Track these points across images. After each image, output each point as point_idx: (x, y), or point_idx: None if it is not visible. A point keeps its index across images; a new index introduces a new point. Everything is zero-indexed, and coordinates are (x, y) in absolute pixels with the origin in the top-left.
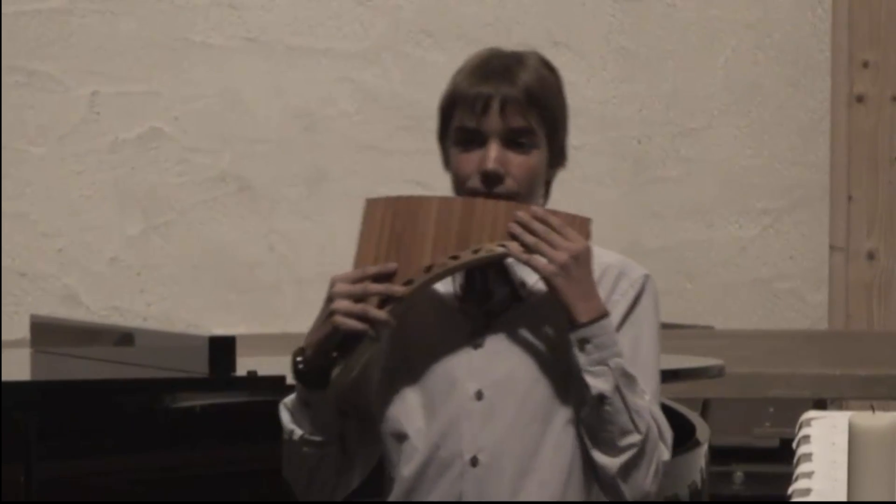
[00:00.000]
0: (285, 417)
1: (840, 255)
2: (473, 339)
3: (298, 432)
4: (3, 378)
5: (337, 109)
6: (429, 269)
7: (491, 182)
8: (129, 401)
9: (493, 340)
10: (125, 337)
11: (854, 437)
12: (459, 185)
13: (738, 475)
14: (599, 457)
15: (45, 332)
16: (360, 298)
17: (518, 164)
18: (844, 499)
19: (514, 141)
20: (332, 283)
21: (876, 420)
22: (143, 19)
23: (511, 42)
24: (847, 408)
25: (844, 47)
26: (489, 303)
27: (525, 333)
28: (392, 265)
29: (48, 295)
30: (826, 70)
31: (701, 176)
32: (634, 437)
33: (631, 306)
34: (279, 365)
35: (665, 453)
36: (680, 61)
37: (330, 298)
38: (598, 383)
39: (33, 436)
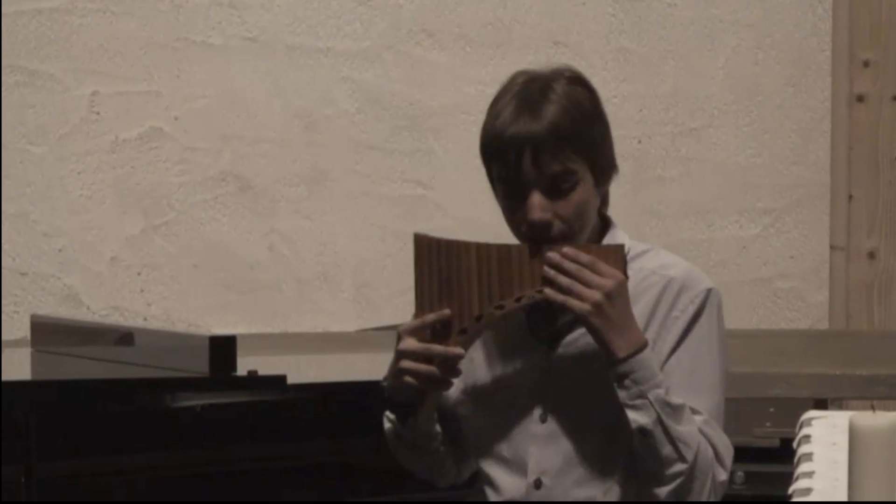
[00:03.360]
0: (388, 428)
1: (840, 254)
2: (540, 362)
3: (404, 447)
4: (3, 378)
5: (337, 109)
6: (479, 318)
7: (540, 231)
8: (129, 401)
9: (558, 363)
10: (125, 337)
11: (854, 436)
12: (515, 232)
13: (739, 475)
14: (648, 486)
15: (45, 332)
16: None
17: (563, 206)
18: (845, 499)
19: (555, 186)
20: (399, 337)
21: (876, 420)
22: (143, 19)
23: (511, 42)
24: (847, 408)
25: (845, 47)
26: (555, 326)
27: (588, 356)
28: (446, 312)
29: (48, 295)
30: (826, 70)
31: (701, 176)
32: (680, 467)
33: (690, 323)
34: (279, 365)
35: (722, 474)
36: (680, 61)
37: (397, 354)
38: (638, 417)
39: (33, 436)
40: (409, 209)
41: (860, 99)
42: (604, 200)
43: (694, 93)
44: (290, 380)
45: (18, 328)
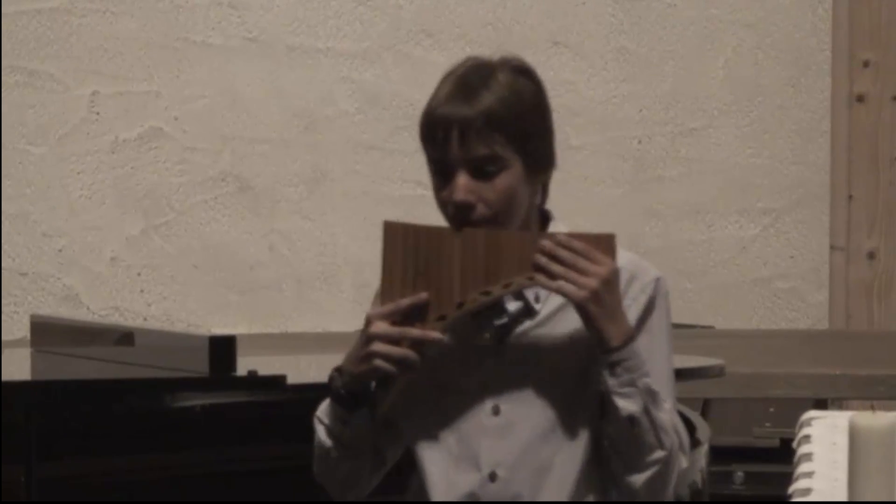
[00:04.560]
0: (320, 431)
1: (840, 254)
2: (488, 354)
3: (333, 446)
4: (3, 378)
5: (337, 109)
6: (461, 305)
7: (463, 212)
8: (129, 401)
9: (507, 355)
10: (125, 337)
11: (854, 437)
12: (443, 214)
13: (739, 475)
14: (625, 474)
15: (45, 332)
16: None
17: (487, 190)
18: (844, 499)
19: (480, 169)
20: (368, 321)
21: (876, 420)
22: (143, 19)
23: (511, 42)
24: (847, 408)
25: (844, 47)
26: (503, 317)
27: (539, 347)
28: (423, 296)
29: (48, 295)
30: (826, 70)
31: (701, 176)
32: (659, 454)
33: (644, 312)
34: (279, 365)
35: (683, 461)
36: (680, 61)
37: (368, 338)
38: (627, 405)
39: (33, 436)
40: (409, 209)
41: (860, 99)
42: (544, 192)
43: (694, 93)
44: (290, 380)
45: (18, 328)
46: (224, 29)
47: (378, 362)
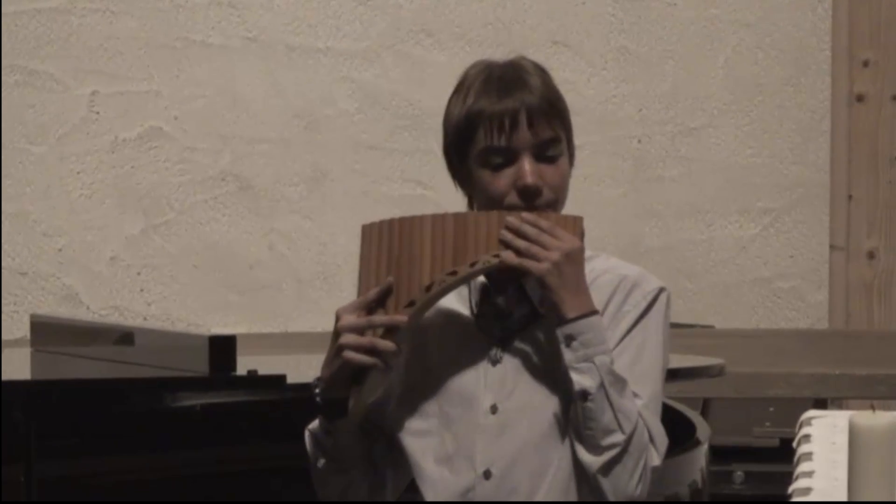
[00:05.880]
0: (310, 444)
1: (840, 254)
2: (491, 356)
3: (323, 459)
4: (3, 378)
5: (337, 109)
6: (429, 287)
7: (531, 196)
8: (129, 400)
9: (510, 357)
10: (125, 336)
11: (854, 436)
12: (495, 204)
13: (738, 475)
14: (583, 454)
15: (45, 332)
16: (366, 330)
17: (552, 174)
18: (844, 499)
19: (544, 153)
20: (338, 317)
21: (876, 420)
22: (143, 19)
23: (511, 42)
24: (847, 407)
25: (844, 47)
26: (507, 321)
27: (541, 351)
28: (389, 280)
29: (48, 295)
30: (826, 70)
31: (701, 176)
32: (617, 437)
33: (640, 315)
34: (279, 365)
35: (655, 459)
36: (680, 61)
37: (337, 333)
38: (582, 380)
39: (33, 436)
40: (409, 209)
41: (860, 99)
42: None
43: (694, 93)
44: (290, 380)
45: (18, 328)
46: (224, 29)
47: (348, 353)
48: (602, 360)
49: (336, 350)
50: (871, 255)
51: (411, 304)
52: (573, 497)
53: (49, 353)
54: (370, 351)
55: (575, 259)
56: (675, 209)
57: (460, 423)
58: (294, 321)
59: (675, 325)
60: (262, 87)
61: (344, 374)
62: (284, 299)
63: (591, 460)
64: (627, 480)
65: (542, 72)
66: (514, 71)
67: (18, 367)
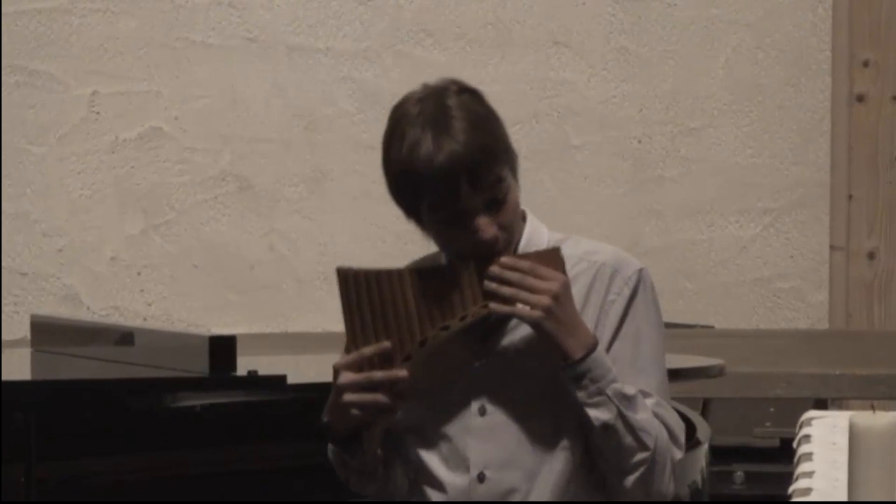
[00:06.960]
0: (335, 463)
1: (840, 254)
2: (474, 356)
3: (350, 476)
4: (3, 378)
5: (337, 109)
6: (423, 342)
7: (489, 249)
8: (129, 400)
9: (493, 357)
10: (125, 336)
11: (854, 436)
12: (452, 259)
13: (739, 475)
14: (612, 478)
15: (45, 332)
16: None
17: (504, 214)
18: (844, 499)
19: (493, 199)
20: (336, 373)
21: (876, 420)
22: (143, 19)
23: (511, 42)
24: (847, 407)
25: (844, 47)
26: (488, 320)
27: (524, 349)
28: (385, 345)
29: (48, 295)
30: (826, 70)
31: (701, 176)
32: (642, 455)
33: (627, 305)
34: (279, 365)
35: (678, 453)
36: (680, 61)
37: (339, 389)
38: (600, 414)
39: (33, 436)
40: None
41: (860, 99)
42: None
43: (694, 93)
44: (290, 380)
45: (18, 328)
46: (224, 29)
47: (353, 412)
48: (614, 389)
49: (340, 407)
50: (871, 256)
51: (408, 357)
52: (571, 497)
53: (49, 354)
54: (374, 407)
55: (564, 298)
56: (675, 209)
57: (452, 426)
58: (294, 321)
59: (675, 326)
60: (262, 88)
61: (352, 426)
62: (284, 299)
63: (624, 481)
64: (659, 485)
65: (463, 100)
66: (433, 113)
67: (18, 367)
